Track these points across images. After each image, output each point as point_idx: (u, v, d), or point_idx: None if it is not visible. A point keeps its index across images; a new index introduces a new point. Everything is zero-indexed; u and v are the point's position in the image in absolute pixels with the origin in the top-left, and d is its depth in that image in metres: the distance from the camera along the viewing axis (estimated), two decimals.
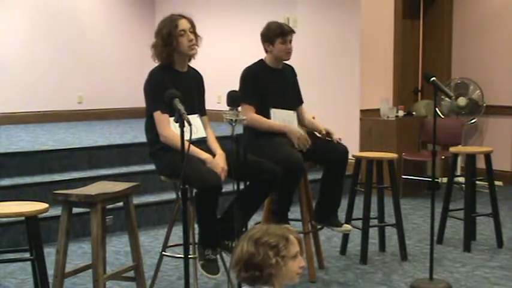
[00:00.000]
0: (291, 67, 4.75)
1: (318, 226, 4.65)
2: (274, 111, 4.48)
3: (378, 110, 7.40)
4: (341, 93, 7.42)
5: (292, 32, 4.52)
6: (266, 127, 4.42)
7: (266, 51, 4.57)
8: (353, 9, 7.42)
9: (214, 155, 3.87)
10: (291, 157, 4.23)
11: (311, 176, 4.79)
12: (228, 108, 3.51)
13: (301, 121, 4.72)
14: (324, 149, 4.47)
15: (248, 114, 4.37)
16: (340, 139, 4.55)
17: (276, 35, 4.47)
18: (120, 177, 5.55)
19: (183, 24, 3.90)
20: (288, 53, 4.52)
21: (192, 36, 3.90)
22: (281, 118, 4.50)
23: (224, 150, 3.94)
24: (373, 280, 4.53)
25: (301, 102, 4.76)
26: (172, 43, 3.85)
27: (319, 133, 4.60)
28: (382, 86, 7.84)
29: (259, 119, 4.42)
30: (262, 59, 4.60)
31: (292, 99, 4.66)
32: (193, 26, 3.95)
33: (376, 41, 7.72)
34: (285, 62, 4.68)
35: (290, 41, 4.51)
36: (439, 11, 8.42)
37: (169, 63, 3.93)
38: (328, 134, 4.53)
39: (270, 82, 4.52)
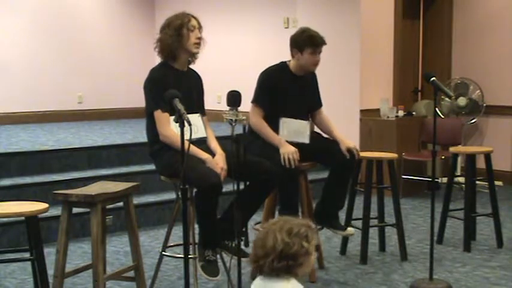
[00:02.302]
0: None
1: (318, 226, 4.65)
2: (284, 121, 4.38)
3: (378, 110, 7.40)
4: (341, 93, 7.42)
5: (323, 43, 4.39)
6: (265, 137, 4.34)
7: (292, 57, 4.43)
8: (353, 9, 7.42)
9: (214, 155, 3.87)
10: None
11: (311, 176, 4.79)
12: (228, 108, 3.51)
13: (318, 125, 4.68)
14: (331, 151, 4.44)
15: (255, 116, 4.36)
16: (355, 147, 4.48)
17: (307, 44, 4.33)
18: (120, 177, 5.55)
19: (194, 22, 3.95)
20: (315, 65, 4.42)
21: (200, 34, 3.95)
22: (292, 129, 4.40)
23: (224, 150, 3.95)
24: (373, 280, 4.53)
25: (319, 105, 4.67)
26: (181, 35, 3.87)
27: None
28: (382, 86, 7.84)
29: (262, 126, 4.35)
30: (285, 62, 4.48)
31: (310, 106, 4.58)
32: (201, 27, 3.98)
33: (376, 41, 7.72)
34: None
35: (319, 53, 4.39)
36: (439, 11, 8.42)
37: (172, 59, 3.94)
38: (350, 151, 4.41)
39: (288, 90, 4.41)
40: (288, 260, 2.22)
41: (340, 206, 4.56)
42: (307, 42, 4.34)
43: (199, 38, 3.94)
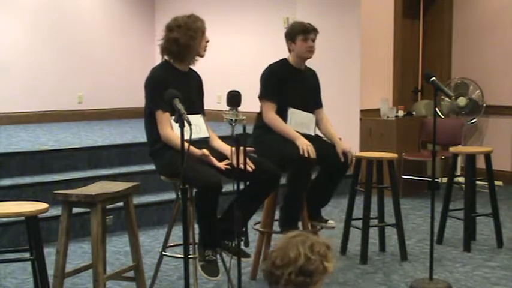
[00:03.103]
0: (314, 71, 4.73)
1: (317, 226, 4.66)
2: (292, 112, 4.45)
3: (378, 110, 7.40)
4: (341, 93, 7.43)
5: (314, 30, 4.52)
6: (280, 131, 4.39)
7: (289, 51, 4.55)
8: (353, 9, 7.42)
9: (220, 154, 3.88)
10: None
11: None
12: (228, 108, 3.51)
13: (316, 125, 4.71)
14: (328, 153, 4.45)
15: (269, 111, 4.41)
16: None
17: (298, 32, 4.47)
18: (120, 177, 5.55)
19: (205, 25, 4.00)
20: (310, 51, 4.50)
21: (208, 38, 3.98)
22: (299, 120, 4.47)
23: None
24: (373, 280, 4.53)
25: (319, 105, 4.72)
26: (197, 38, 3.90)
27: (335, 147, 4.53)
28: (382, 86, 7.83)
29: (278, 121, 4.40)
30: (285, 58, 4.59)
31: (310, 102, 4.62)
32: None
33: (376, 41, 7.72)
34: (308, 67, 4.67)
35: (313, 40, 4.50)
36: (439, 11, 8.42)
37: (178, 60, 3.95)
38: (345, 154, 4.45)
39: (291, 82, 4.50)
40: (305, 276, 2.15)
41: (325, 204, 4.67)
42: (297, 30, 4.50)
43: (208, 42, 3.99)
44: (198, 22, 3.94)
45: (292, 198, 4.38)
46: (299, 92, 4.52)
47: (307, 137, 4.43)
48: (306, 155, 4.24)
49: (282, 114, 4.44)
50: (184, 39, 3.90)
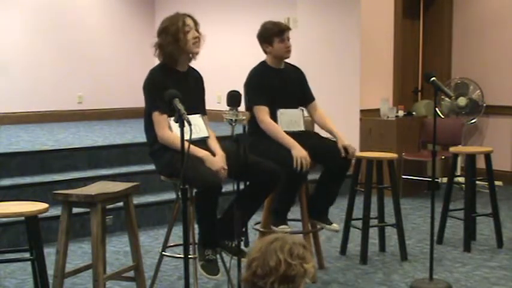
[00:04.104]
0: (297, 68, 4.71)
1: (318, 226, 4.66)
2: (281, 112, 4.44)
3: (378, 110, 7.40)
4: (341, 93, 7.43)
5: (288, 29, 4.49)
6: (276, 138, 4.34)
7: (265, 52, 4.52)
8: (353, 9, 7.42)
9: (214, 155, 3.87)
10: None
11: (311, 176, 4.79)
12: (228, 108, 3.51)
13: (315, 121, 4.70)
14: (330, 152, 4.45)
15: (264, 117, 4.38)
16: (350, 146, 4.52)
17: (273, 34, 4.44)
18: (120, 177, 5.54)
19: (189, 21, 3.95)
20: (288, 51, 4.48)
21: (197, 34, 3.95)
22: (288, 119, 4.47)
23: (224, 150, 3.94)
24: (373, 280, 4.53)
25: (311, 99, 4.70)
26: (179, 39, 3.87)
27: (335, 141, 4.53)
28: (382, 86, 7.84)
29: (275, 127, 4.37)
30: (263, 61, 4.57)
31: (299, 98, 4.62)
32: (196, 24, 3.98)
33: (376, 41, 7.72)
34: (291, 63, 4.66)
35: (288, 39, 4.47)
36: (439, 11, 8.43)
37: (172, 62, 3.94)
38: (346, 149, 4.43)
39: (273, 83, 4.49)
40: (288, 282, 2.11)
41: (332, 202, 4.64)
42: (273, 32, 4.45)
43: (197, 37, 3.94)
44: (176, 24, 3.89)
45: (285, 198, 4.40)
46: (282, 91, 4.50)
47: (300, 134, 4.42)
48: (299, 167, 4.20)
49: (272, 117, 4.41)
50: (165, 45, 3.89)
